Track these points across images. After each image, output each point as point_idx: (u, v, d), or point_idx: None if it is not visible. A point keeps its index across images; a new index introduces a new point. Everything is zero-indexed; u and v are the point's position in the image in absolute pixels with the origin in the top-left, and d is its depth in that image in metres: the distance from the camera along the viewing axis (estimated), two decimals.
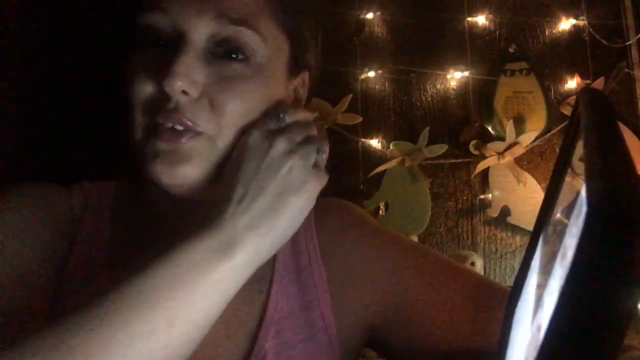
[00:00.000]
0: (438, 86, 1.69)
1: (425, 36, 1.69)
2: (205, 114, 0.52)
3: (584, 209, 0.20)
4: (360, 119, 1.64)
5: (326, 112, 1.62)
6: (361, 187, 1.64)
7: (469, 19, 1.69)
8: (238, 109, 0.53)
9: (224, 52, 0.54)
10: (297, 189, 0.49)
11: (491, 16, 1.70)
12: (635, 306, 0.19)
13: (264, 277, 0.60)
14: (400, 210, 1.64)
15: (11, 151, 0.97)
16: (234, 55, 0.54)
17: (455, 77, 1.68)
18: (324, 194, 0.73)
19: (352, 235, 0.64)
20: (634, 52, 1.64)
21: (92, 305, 0.42)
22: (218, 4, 0.53)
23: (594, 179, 0.20)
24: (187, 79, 0.51)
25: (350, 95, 1.63)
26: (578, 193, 0.23)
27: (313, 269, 0.61)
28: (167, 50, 0.53)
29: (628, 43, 1.64)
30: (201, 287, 0.44)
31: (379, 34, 1.70)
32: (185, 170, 0.52)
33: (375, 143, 1.66)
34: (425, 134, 1.63)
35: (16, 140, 0.99)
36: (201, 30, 0.53)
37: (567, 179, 0.31)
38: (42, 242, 0.58)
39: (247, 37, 0.54)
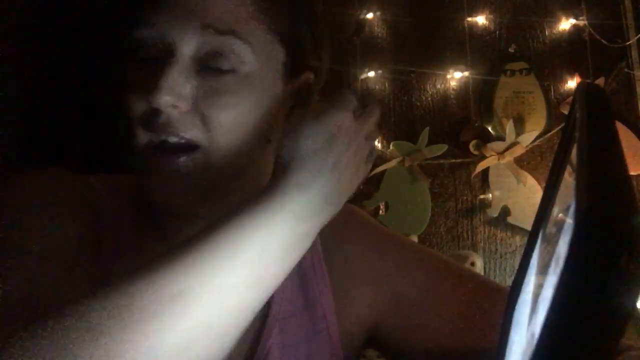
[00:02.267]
0: (438, 86, 1.69)
1: (425, 36, 1.69)
2: (197, 126, 0.52)
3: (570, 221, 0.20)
4: None
5: None
6: (361, 187, 1.64)
7: (469, 19, 1.69)
8: (228, 121, 0.53)
9: (212, 63, 0.53)
10: (360, 173, 0.52)
11: (491, 16, 1.70)
12: (624, 318, 0.19)
13: None
14: (400, 210, 1.64)
15: (10, 150, 0.97)
16: (221, 67, 0.53)
17: (455, 77, 1.68)
18: None
19: (354, 236, 0.64)
20: (634, 52, 1.65)
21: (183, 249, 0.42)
22: (203, 15, 0.53)
23: (583, 187, 0.20)
24: (175, 93, 0.51)
25: None
26: (572, 196, 0.23)
27: (315, 269, 0.61)
28: (156, 65, 0.53)
29: (628, 43, 1.64)
30: (280, 250, 0.45)
31: (379, 34, 1.70)
32: (184, 186, 0.53)
33: (375, 143, 1.66)
34: (425, 134, 1.63)
35: (16, 138, 0.99)
36: (187, 43, 0.52)
37: (566, 176, 0.30)
38: (82, 229, 0.56)
39: (235, 47, 0.53)
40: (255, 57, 0.54)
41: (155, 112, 0.51)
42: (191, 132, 0.52)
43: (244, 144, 0.56)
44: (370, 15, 1.69)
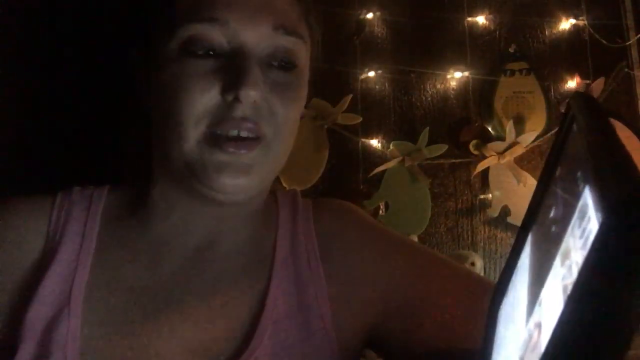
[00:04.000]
0: (438, 86, 1.69)
1: (425, 36, 1.69)
2: (265, 119, 0.55)
3: (595, 214, 0.20)
4: (360, 119, 1.64)
5: (326, 112, 1.62)
6: (361, 187, 1.64)
7: (469, 19, 1.69)
8: (291, 114, 0.57)
9: (276, 60, 0.56)
10: None
11: (491, 16, 1.70)
12: None
13: (262, 277, 0.60)
14: (400, 210, 1.64)
15: (11, 154, 0.97)
16: (283, 63, 0.57)
17: (455, 77, 1.68)
18: (324, 194, 0.73)
19: (351, 235, 0.64)
20: (634, 52, 1.65)
21: None
22: (274, 16, 0.56)
23: (605, 184, 0.20)
24: (260, 88, 0.53)
25: (350, 95, 1.63)
26: (577, 194, 0.23)
27: (312, 269, 0.61)
28: (222, 61, 0.54)
29: (628, 43, 1.64)
30: None
31: (379, 34, 1.70)
32: (247, 180, 0.55)
33: (375, 143, 1.66)
34: (425, 134, 1.63)
35: (16, 143, 0.99)
36: (260, 42, 0.55)
37: (557, 178, 0.31)
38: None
39: (297, 46, 0.58)
40: (306, 54, 0.60)
41: (232, 106, 0.53)
42: (262, 125, 0.55)
43: (292, 137, 0.60)
44: (370, 15, 1.69)
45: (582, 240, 0.21)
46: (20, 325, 0.54)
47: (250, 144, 0.54)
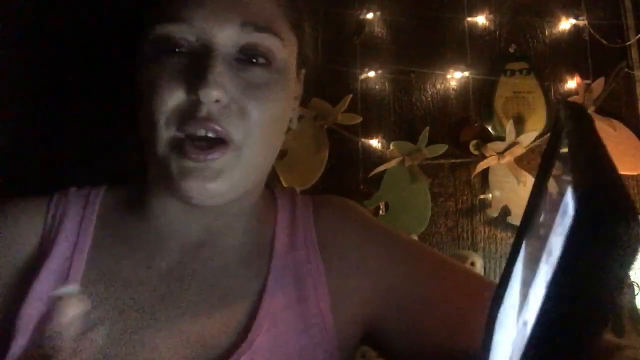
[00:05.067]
0: (438, 86, 1.69)
1: (425, 36, 1.69)
2: (234, 121, 0.54)
3: (571, 203, 0.21)
4: (360, 119, 1.64)
5: (326, 112, 1.62)
6: (361, 187, 1.64)
7: (469, 19, 1.69)
8: (265, 114, 0.55)
9: (246, 58, 0.55)
10: None
11: (491, 16, 1.70)
12: (617, 297, 0.20)
13: (260, 270, 0.60)
14: (400, 210, 1.64)
15: (8, 155, 0.97)
16: (255, 61, 0.55)
17: (455, 77, 1.68)
18: (324, 193, 0.73)
19: (350, 230, 0.64)
20: (634, 52, 1.65)
21: None
22: (242, 13, 0.54)
23: (579, 179, 0.21)
24: (222, 87, 0.52)
25: (350, 95, 1.63)
26: (562, 195, 0.24)
27: (311, 263, 0.61)
28: (190, 60, 0.54)
29: (628, 43, 1.64)
30: None
31: (379, 34, 1.71)
32: (215, 185, 0.53)
33: (375, 143, 1.66)
34: (425, 134, 1.63)
35: (14, 143, 0.99)
36: (227, 39, 0.54)
37: (550, 184, 0.32)
38: None
39: (270, 43, 0.56)
40: (285, 52, 0.57)
41: (196, 106, 0.52)
42: (229, 125, 0.53)
43: (272, 139, 0.58)
44: (370, 15, 1.69)
45: (562, 237, 0.22)
46: (15, 321, 0.54)
47: (219, 148, 0.53)
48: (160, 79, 0.54)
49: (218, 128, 0.53)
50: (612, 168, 0.21)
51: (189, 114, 0.53)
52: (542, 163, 0.33)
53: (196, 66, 0.53)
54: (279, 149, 0.61)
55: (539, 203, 0.32)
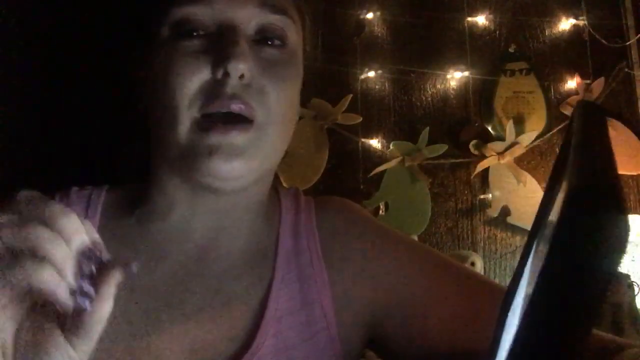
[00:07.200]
0: (438, 86, 1.69)
1: (425, 36, 1.69)
2: (256, 99, 0.55)
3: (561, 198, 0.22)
4: (360, 119, 1.64)
5: (326, 112, 1.62)
6: (361, 187, 1.64)
7: (469, 19, 1.69)
8: (282, 94, 0.56)
9: (262, 39, 0.57)
10: None
11: (491, 16, 1.70)
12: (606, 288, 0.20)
13: (265, 273, 0.60)
14: (400, 210, 1.64)
15: (9, 154, 0.97)
16: (270, 42, 0.57)
17: (455, 77, 1.68)
18: (324, 194, 0.73)
19: (354, 232, 0.63)
20: (634, 52, 1.65)
21: None
22: None
23: (574, 179, 0.22)
24: (248, 61, 0.53)
25: (350, 95, 1.63)
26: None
27: (314, 267, 0.61)
28: (210, 41, 0.55)
29: (628, 43, 1.64)
30: None
31: (379, 34, 1.71)
32: (241, 164, 0.54)
33: (375, 143, 1.66)
34: (425, 134, 1.63)
35: (15, 143, 0.99)
36: (247, 19, 0.56)
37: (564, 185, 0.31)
38: None
39: (285, 24, 0.58)
40: (296, 34, 0.60)
41: (222, 84, 0.53)
42: (253, 106, 0.54)
43: (288, 122, 0.59)
44: (370, 15, 1.69)
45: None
46: None
47: (242, 126, 0.54)
48: (180, 61, 0.54)
49: (242, 106, 0.53)
50: (610, 166, 0.21)
51: (213, 93, 0.53)
52: (556, 164, 0.33)
53: (219, 44, 0.54)
54: (291, 135, 0.62)
55: (550, 204, 0.32)
